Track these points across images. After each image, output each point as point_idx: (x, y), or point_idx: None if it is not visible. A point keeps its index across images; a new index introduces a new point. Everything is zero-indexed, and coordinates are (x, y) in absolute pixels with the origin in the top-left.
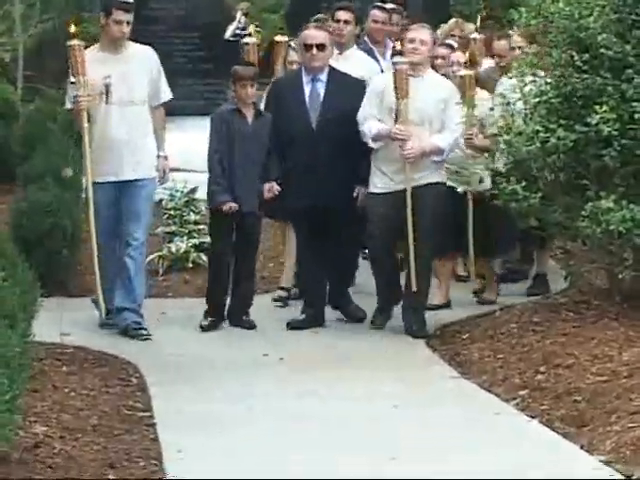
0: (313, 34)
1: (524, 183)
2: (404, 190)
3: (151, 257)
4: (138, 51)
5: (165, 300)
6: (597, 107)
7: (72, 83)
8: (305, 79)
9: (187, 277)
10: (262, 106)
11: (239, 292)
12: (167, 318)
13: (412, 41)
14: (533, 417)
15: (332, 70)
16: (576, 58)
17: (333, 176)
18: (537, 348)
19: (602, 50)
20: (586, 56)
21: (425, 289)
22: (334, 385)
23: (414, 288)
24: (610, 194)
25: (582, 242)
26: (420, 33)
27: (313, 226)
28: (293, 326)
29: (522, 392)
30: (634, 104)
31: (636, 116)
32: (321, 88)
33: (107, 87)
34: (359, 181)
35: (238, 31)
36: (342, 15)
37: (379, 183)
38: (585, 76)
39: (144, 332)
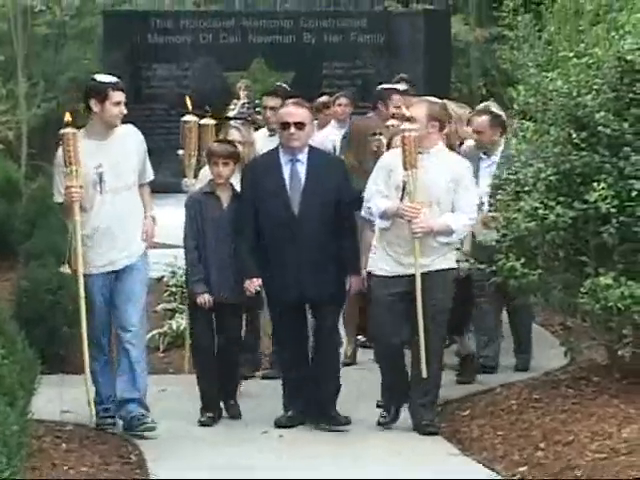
0: (291, 111)
1: (523, 260)
2: (413, 275)
3: (152, 334)
4: (124, 133)
5: (165, 377)
6: (595, 184)
7: (66, 173)
8: (283, 159)
9: (187, 354)
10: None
11: (222, 381)
12: (167, 395)
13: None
14: None
15: (312, 149)
16: (574, 136)
17: (320, 265)
18: (537, 425)
19: (600, 128)
20: (584, 134)
21: (436, 382)
22: (334, 461)
23: (424, 374)
24: (609, 271)
25: (582, 318)
26: (414, 108)
27: (297, 322)
28: (280, 425)
29: (522, 469)
30: (632, 181)
31: (634, 193)
32: (301, 169)
33: (100, 177)
34: (349, 268)
35: (244, 109)
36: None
37: (386, 266)
38: (583, 154)
39: (150, 425)
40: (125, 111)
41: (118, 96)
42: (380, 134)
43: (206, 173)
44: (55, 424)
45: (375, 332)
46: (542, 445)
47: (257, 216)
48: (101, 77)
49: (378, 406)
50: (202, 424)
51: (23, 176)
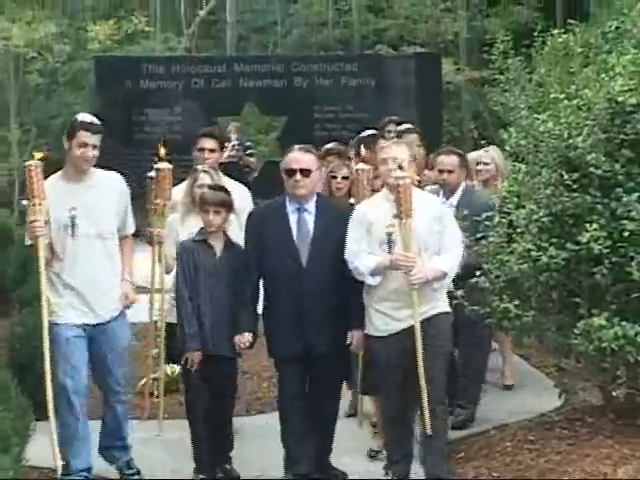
0: (297, 157)
1: (517, 301)
2: (410, 327)
3: (145, 380)
4: (106, 179)
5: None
6: (587, 225)
7: (28, 206)
8: (290, 208)
9: (181, 399)
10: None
11: (215, 440)
12: (161, 440)
13: (385, 162)
14: None
15: (319, 197)
16: (566, 177)
17: (327, 319)
18: (532, 466)
19: (591, 169)
20: (576, 175)
21: (443, 432)
22: None
23: (429, 431)
24: (602, 311)
25: (576, 359)
26: (395, 151)
27: (299, 378)
28: None
29: None
30: (624, 222)
31: (626, 234)
32: (309, 220)
33: (72, 220)
34: (354, 323)
35: (234, 152)
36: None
37: (380, 325)
38: (575, 195)
39: (136, 474)
40: (91, 154)
41: (86, 137)
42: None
43: (173, 223)
44: (49, 471)
45: (383, 393)
46: None
47: (259, 267)
48: (82, 116)
49: (371, 457)
50: None
51: (15, 222)
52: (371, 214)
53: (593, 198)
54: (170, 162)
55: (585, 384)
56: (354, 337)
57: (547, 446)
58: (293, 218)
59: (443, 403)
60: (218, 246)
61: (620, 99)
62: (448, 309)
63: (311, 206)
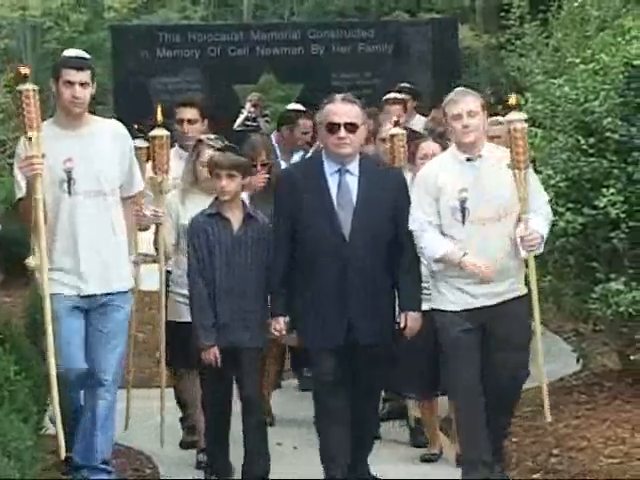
0: (340, 109)
1: None
2: (484, 307)
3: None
4: (106, 127)
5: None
6: (604, 190)
7: (24, 141)
8: (329, 169)
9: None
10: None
11: (248, 447)
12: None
13: (458, 117)
14: None
15: (364, 157)
16: (582, 142)
17: (373, 303)
18: (550, 431)
19: (608, 133)
20: (592, 140)
21: (505, 433)
22: None
23: (548, 418)
24: (620, 276)
25: (593, 324)
26: (467, 103)
27: (338, 372)
28: None
29: (535, 475)
30: None
31: None
32: (352, 182)
33: (68, 173)
34: (405, 304)
35: (248, 122)
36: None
37: (453, 299)
38: (592, 159)
39: None
40: (80, 95)
41: (70, 75)
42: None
43: (173, 201)
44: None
45: (452, 379)
46: (556, 451)
47: (291, 241)
48: (66, 52)
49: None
50: None
51: None
52: (441, 178)
53: (610, 162)
54: (168, 129)
55: (603, 349)
56: (409, 319)
57: (565, 411)
58: (333, 181)
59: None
60: (235, 219)
61: (636, 63)
62: (526, 290)
63: (354, 167)
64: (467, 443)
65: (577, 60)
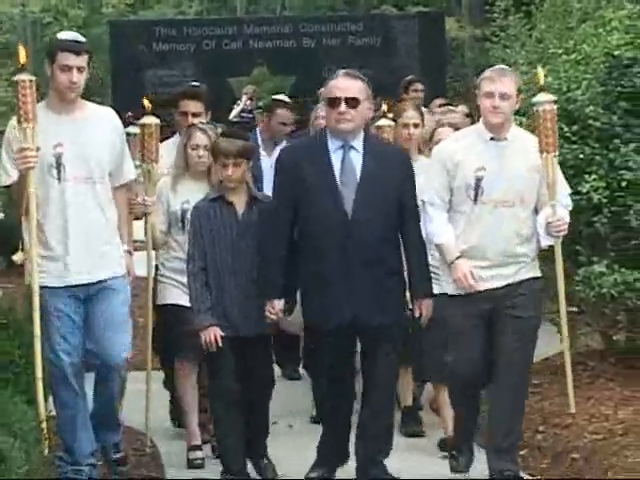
0: (342, 84)
1: None
2: (495, 289)
3: None
4: (99, 115)
5: None
6: (587, 176)
7: (19, 131)
8: (332, 146)
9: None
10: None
11: (250, 436)
12: None
13: (490, 95)
14: (533, 476)
15: (368, 135)
16: (566, 129)
17: (378, 282)
18: (537, 409)
19: (590, 121)
20: (575, 127)
21: (520, 419)
22: None
23: (572, 409)
24: (602, 259)
25: (577, 306)
26: (502, 83)
27: (344, 354)
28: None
29: (522, 452)
30: (622, 172)
31: (624, 184)
32: (356, 159)
33: (58, 159)
34: (416, 289)
35: (244, 114)
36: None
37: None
38: (575, 146)
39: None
40: (76, 79)
41: (67, 59)
42: None
43: (163, 188)
44: None
45: (452, 361)
46: (542, 428)
47: (293, 219)
48: (62, 34)
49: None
50: None
51: None
52: (460, 154)
53: (592, 149)
54: (158, 117)
55: (586, 329)
56: (423, 306)
57: (551, 390)
58: (336, 157)
59: (524, 382)
60: (240, 203)
61: (617, 53)
62: (539, 273)
63: (358, 143)
64: (459, 424)
65: (560, 51)
